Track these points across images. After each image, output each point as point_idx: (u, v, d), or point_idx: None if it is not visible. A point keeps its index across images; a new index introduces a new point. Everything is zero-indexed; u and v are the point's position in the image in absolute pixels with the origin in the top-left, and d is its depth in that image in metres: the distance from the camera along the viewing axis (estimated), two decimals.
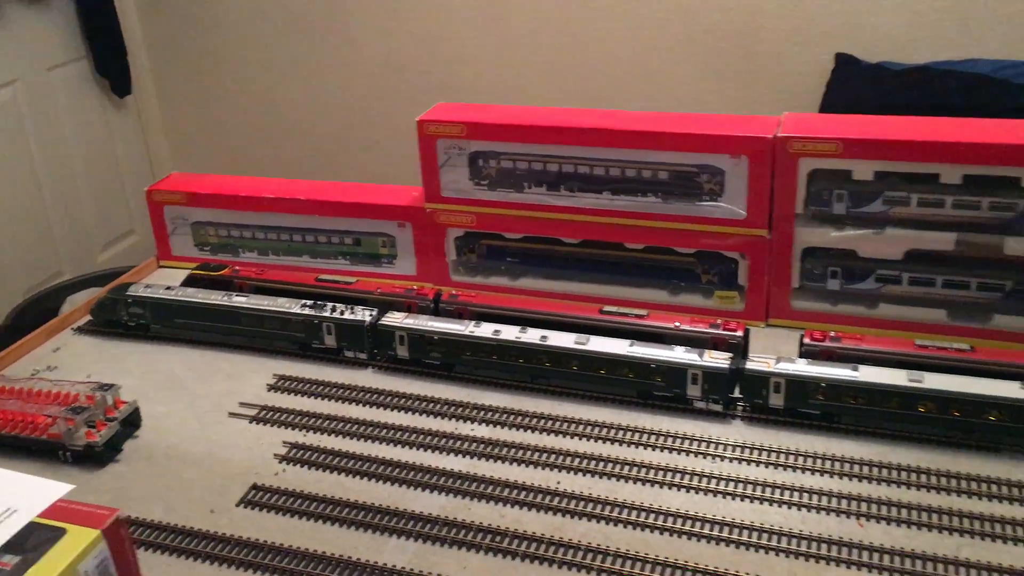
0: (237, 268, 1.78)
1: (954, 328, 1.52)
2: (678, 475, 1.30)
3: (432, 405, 1.48)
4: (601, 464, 1.33)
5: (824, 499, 1.24)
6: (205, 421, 1.47)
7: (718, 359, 1.40)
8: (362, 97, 3.50)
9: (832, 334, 1.43)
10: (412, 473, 1.33)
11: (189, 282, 1.77)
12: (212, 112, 3.78)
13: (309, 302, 1.61)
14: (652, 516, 1.22)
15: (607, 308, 1.55)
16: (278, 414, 1.47)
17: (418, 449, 1.38)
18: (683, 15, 3.77)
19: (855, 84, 4.20)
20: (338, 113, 3.57)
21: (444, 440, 1.40)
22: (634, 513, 1.23)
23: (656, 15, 3.56)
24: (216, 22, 3.61)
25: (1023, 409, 1.26)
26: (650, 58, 3.57)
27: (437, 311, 1.62)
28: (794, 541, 1.17)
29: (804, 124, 1.52)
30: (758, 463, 1.32)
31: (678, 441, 1.36)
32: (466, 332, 1.51)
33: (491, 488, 1.29)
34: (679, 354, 1.41)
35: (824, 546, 1.15)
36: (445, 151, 1.71)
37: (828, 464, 1.30)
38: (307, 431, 1.43)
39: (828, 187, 1.51)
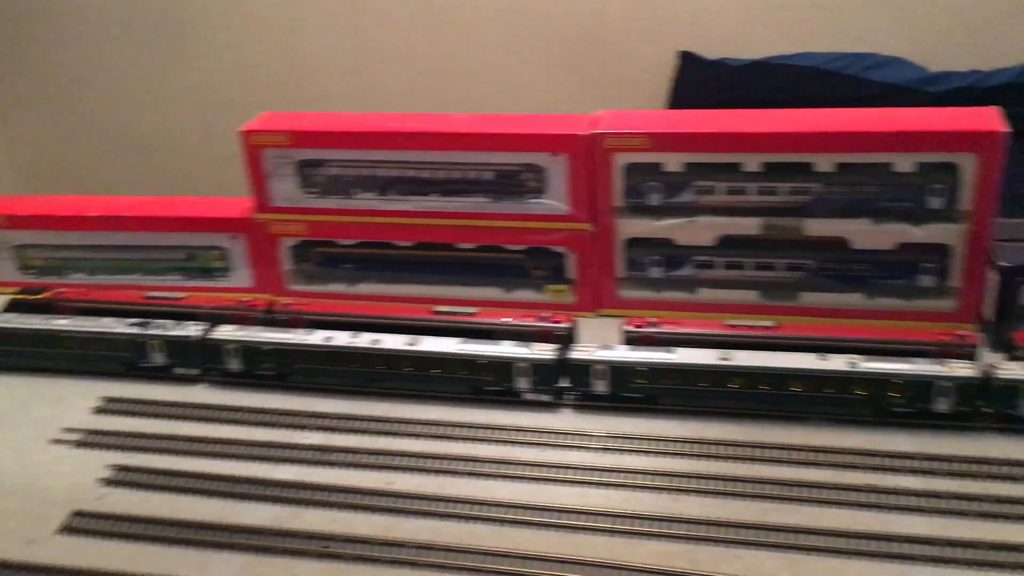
0: (61, 290, 1.72)
1: (767, 307, 1.61)
2: (508, 466, 1.33)
3: (265, 416, 1.47)
4: (434, 462, 1.35)
5: (644, 478, 1.29)
6: (24, 450, 1.42)
7: (544, 351, 1.44)
8: (214, 109, 3.42)
9: (652, 320, 1.49)
10: (242, 486, 1.32)
11: (11, 308, 1.71)
12: (54, 128, 3.62)
13: (136, 320, 1.58)
14: (481, 508, 1.25)
15: (439, 308, 1.58)
16: (104, 437, 1.43)
17: (250, 461, 1.37)
18: (532, 17, 3.83)
19: (698, 80, 4.36)
20: (186, 125, 3.48)
21: (276, 450, 1.39)
22: (464, 507, 1.26)
23: (506, 18, 3.60)
24: (58, 38, 3.46)
25: (822, 379, 1.35)
26: (502, 60, 3.62)
27: (270, 322, 1.61)
28: (614, 520, 1.22)
29: (618, 121, 1.59)
30: (584, 448, 1.36)
31: (509, 433, 1.40)
32: (298, 341, 1.51)
33: (323, 494, 1.29)
34: (507, 348, 1.45)
35: (642, 522, 1.21)
36: (273, 160, 1.70)
37: (649, 444, 1.36)
38: (134, 452, 1.40)
39: (643, 180, 1.58)
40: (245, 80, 3.34)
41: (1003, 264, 1.43)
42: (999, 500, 1.20)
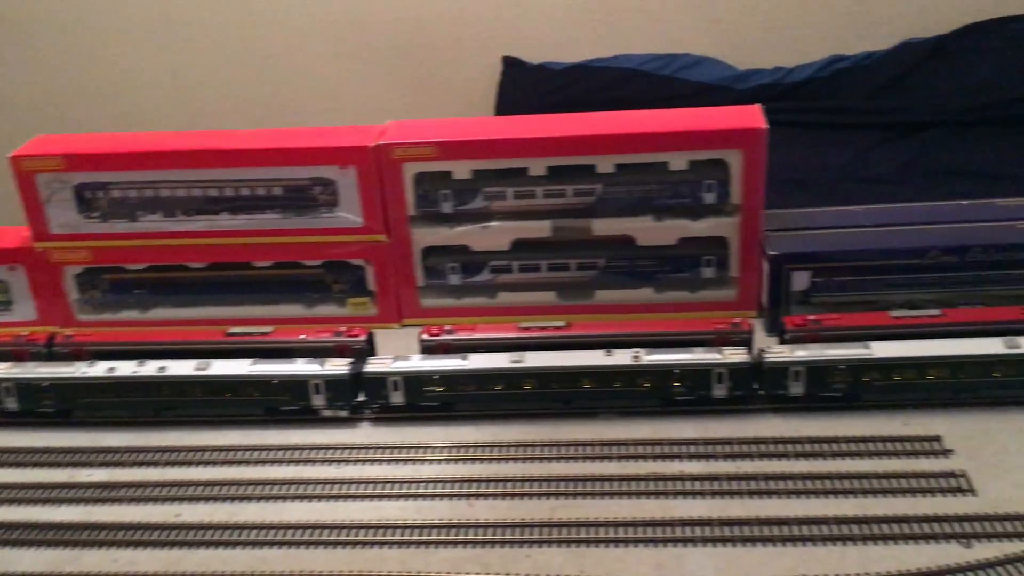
0: None
1: (563, 307, 1.65)
2: (302, 486, 1.31)
3: (45, 456, 1.39)
4: (225, 488, 1.31)
5: (439, 486, 1.30)
6: None
7: (338, 367, 1.42)
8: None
9: (447, 327, 1.50)
10: (18, 532, 1.24)
11: None
12: None
13: None
14: (272, 532, 1.22)
15: (232, 330, 1.54)
16: None
17: (26, 505, 1.30)
18: (355, 27, 3.80)
19: (523, 85, 4.43)
20: None
21: (57, 491, 1.32)
22: (254, 532, 1.23)
23: (328, 28, 3.55)
24: None
25: (609, 374, 1.40)
26: (326, 70, 3.56)
27: (51, 356, 1.53)
28: (407, 532, 1.21)
29: (405, 130, 1.59)
30: (381, 461, 1.36)
31: (304, 452, 1.38)
32: (78, 374, 1.44)
33: (105, 533, 1.23)
34: (300, 367, 1.43)
35: (434, 531, 1.21)
36: (47, 186, 1.61)
37: (445, 452, 1.36)
38: None
39: (433, 188, 1.59)
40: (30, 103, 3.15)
41: (772, 253, 1.52)
42: (770, 477, 1.26)
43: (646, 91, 4.19)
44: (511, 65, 4.55)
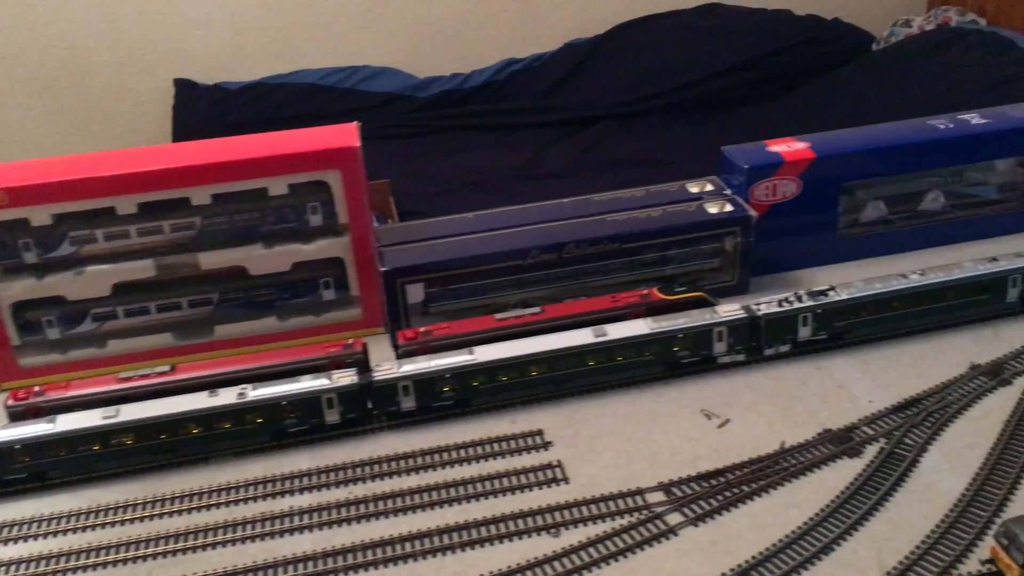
0: None
1: (183, 347, 1.57)
2: None
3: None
4: None
5: (29, 567, 1.18)
6: None
7: None
8: None
9: (37, 389, 1.37)
10: None
11: None
12: None
13: None
14: None
15: None
16: None
17: None
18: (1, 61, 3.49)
19: (199, 107, 4.25)
20: None
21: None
22: None
23: None
24: None
25: (216, 416, 1.33)
26: None
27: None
28: None
29: None
30: None
31: None
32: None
33: None
34: None
35: None
36: None
37: (35, 528, 1.24)
38: None
39: (12, 238, 1.45)
40: None
41: (384, 269, 1.52)
42: (379, 498, 1.26)
43: (328, 105, 4.17)
44: (184, 87, 4.36)
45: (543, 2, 4.44)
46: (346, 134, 1.52)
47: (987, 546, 1.08)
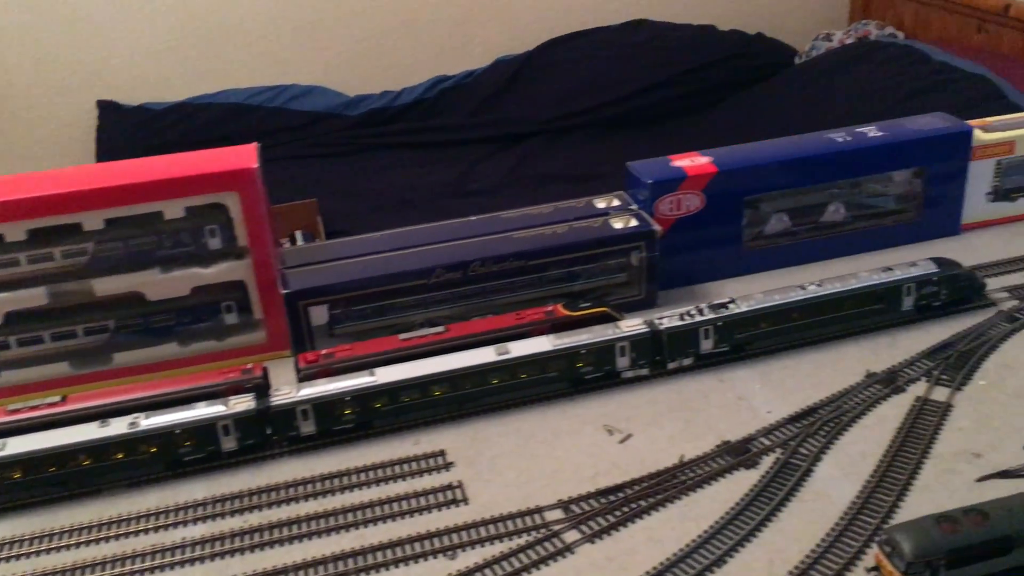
0: None
1: (81, 377, 1.53)
2: None
3: None
4: None
5: None
6: None
7: None
8: None
9: None
10: None
11: None
12: None
13: None
14: None
15: None
16: None
17: None
18: None
19: (123, 128, 4.18)
20: None
21: None
22: None
23: None
24: None
25: (108, 447, 1.30)
26: None
27: None
28: None
29: None
30: None
31: None
32: None
33: None
34: None
35: None
36: None
37: None
38: None
39: None
40: None
41: (285, 291, 1.50)
42: (275, 526, 1.23)
43: (256, 124, 4.12)
44: (107, 108, 4.29)
45: (473, 19, 4.46)
46: (244, 155, 1.50)
47: (874, 554, 1.09)
